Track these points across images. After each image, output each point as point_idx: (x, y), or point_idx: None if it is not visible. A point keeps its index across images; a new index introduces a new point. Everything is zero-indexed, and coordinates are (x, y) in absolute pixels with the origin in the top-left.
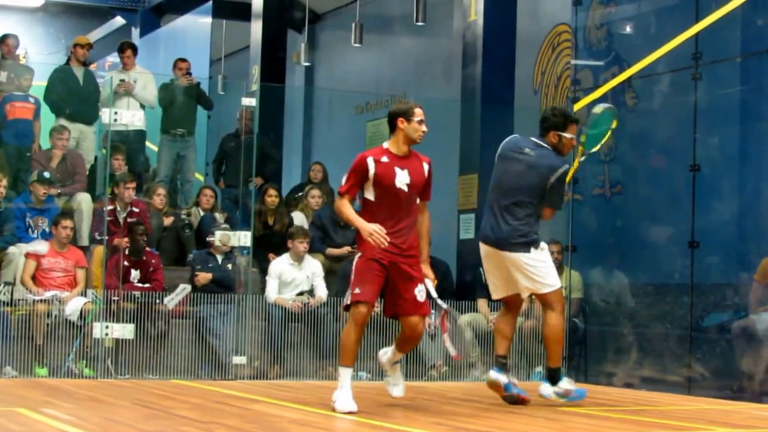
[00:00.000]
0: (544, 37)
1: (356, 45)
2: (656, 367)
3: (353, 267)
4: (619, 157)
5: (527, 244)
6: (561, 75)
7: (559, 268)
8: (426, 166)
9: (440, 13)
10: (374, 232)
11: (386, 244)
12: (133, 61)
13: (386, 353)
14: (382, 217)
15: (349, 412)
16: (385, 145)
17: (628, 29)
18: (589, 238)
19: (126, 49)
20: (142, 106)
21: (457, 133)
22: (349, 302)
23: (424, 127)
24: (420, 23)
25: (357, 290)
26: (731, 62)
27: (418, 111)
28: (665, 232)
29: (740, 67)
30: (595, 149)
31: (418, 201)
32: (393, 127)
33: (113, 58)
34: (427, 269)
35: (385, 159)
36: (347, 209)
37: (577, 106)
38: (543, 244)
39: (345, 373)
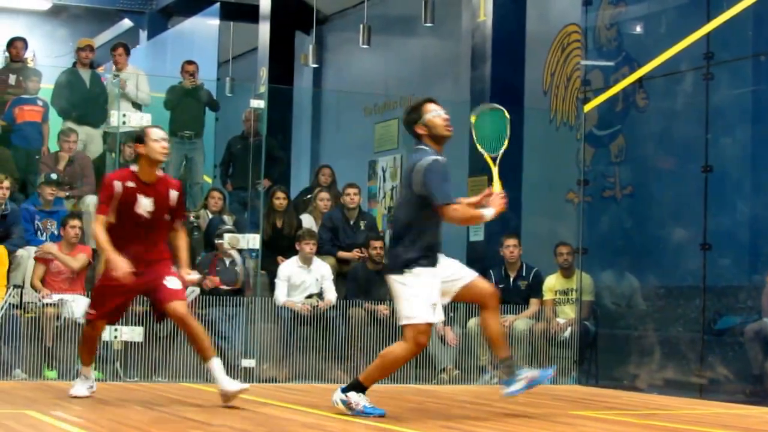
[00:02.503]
0: (554, 38)
1: (364, 46)
2: (668, 371)
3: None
4: (630, 159)
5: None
6: (571, 76)
7: (570, 270)
8: (174, 193)
9: (448, 14)
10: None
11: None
12: (125, 59)
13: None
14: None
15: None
16: (133, 168)
17: (638, 29)
18: (600, 240)
19: (117, 47)
20: (137, 106)
21: (467, 134)
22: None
23: (164, 144)
24: (428, 24)
25: (91, 310)
26: (744, 61)
27: (154, 131)
28: (677, 234)
29: (753, 66)
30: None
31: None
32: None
33: None
34: (184, 273)
35: (130, 184)
36: (100, 232)
37: (587, 107)
38: (418, 270)
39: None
